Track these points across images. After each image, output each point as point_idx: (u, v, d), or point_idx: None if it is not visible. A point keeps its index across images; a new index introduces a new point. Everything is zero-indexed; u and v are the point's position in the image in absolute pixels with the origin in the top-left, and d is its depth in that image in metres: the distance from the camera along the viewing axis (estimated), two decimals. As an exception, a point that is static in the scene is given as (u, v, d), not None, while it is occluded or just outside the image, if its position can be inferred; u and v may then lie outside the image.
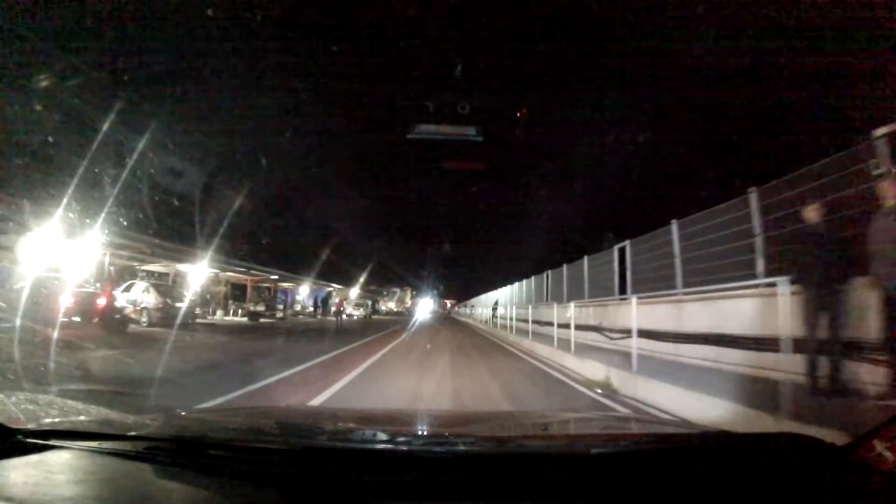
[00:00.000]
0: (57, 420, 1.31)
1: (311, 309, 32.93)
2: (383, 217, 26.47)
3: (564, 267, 13.66)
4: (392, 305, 56.91)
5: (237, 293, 26.90)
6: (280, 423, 1.31)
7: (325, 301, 31.41)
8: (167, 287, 16.55)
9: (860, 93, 6.47)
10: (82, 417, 1.42)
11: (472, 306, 39.51)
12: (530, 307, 13.53)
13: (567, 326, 8.44)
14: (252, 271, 23.28)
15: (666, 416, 3.97)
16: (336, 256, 31.07)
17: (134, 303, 13.82)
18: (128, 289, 14.53)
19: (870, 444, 0.95)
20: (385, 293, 58.40)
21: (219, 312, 22.17)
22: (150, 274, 19.65)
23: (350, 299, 37.25)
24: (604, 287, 10.49)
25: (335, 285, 35.94)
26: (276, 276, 26.30)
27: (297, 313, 31.11)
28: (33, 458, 1.03)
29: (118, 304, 12.85)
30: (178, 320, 13.32)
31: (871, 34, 5.97)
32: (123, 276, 17.02)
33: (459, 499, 0.89)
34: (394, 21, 8.57)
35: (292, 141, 12.82)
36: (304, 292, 34.35)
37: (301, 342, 11.38)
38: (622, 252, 9.81)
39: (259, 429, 1.40)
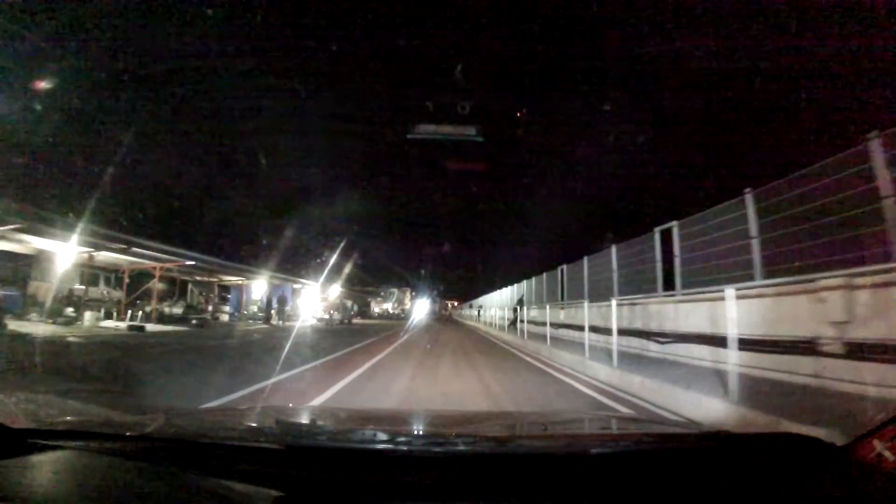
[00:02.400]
0: (57, 420, 1.30)
1: (271, 311, 25.25)
2: (382, 216, 26.16)
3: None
4: (388, 307, 55.03)
5: (168, 288, 20.83)
6: (279, 423, 1.31)
7: (282, 302, 23.54)
8: None
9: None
10: (82, 417, 1.42)
11: (481, 307, 33.72)
12: (676, 300, 5.97)
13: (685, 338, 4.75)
14: (134, 249, 15.13)
15: (668, 416, 3.94)
16: (314, 248, 27.15)
17: None
18: None
19: (870, 443, 0.95)
20: (382, 294, 57.18)
21: (88, 314, 14.67)
22: None
23: (328, 300, 31.06)
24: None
25: (305, 281, 29.34)
26: (193, 263, 18.43)
27: (250, 316, 24.19)
28: (33, 458, 1.03)
29: None
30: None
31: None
32: None
33: (459, 499, 0.89)
34: (394, 21, 8.61)
35: (279, 128, 12.33)
36: (260, 290, 26.22)
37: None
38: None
39: (259, 429, 1.40)
